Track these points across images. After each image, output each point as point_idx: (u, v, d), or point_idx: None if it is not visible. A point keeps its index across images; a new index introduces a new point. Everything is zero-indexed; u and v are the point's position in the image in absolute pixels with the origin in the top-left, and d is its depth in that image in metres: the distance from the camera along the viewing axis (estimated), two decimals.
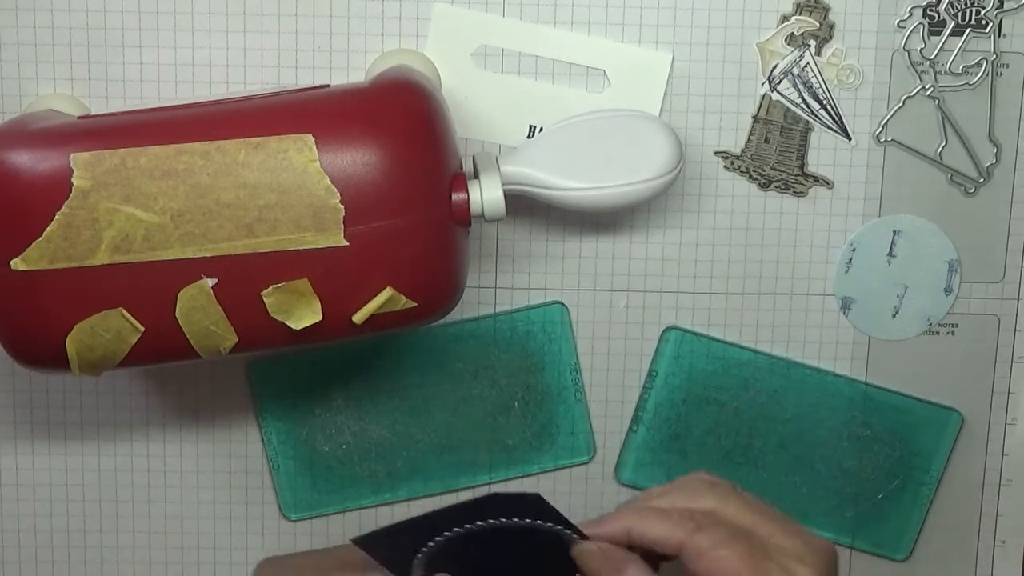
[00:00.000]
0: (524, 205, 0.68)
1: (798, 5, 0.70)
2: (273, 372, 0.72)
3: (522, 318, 0.73)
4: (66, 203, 0.58)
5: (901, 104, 0.71)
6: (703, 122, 0.71)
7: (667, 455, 0.74)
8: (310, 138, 0.59)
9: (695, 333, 0.73)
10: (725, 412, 0.73)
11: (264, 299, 0.59)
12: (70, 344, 0.60)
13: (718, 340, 0.73)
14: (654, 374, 0.73)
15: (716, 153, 0.71)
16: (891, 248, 0.72)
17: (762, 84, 0.71)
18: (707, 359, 0.73)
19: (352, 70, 0.70)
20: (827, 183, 0.72)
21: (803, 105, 0.71)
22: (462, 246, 0.63)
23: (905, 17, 0.70)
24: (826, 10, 0.70)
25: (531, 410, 0.74)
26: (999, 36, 0.70)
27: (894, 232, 0.72)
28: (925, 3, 0.70)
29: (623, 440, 0.74)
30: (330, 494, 0.74)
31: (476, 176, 0.64)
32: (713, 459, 0.73)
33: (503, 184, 0.64)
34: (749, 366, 0.73)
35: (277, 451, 0.73)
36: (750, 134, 0.71)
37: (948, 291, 0.73)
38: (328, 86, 0.64)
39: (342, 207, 0.59)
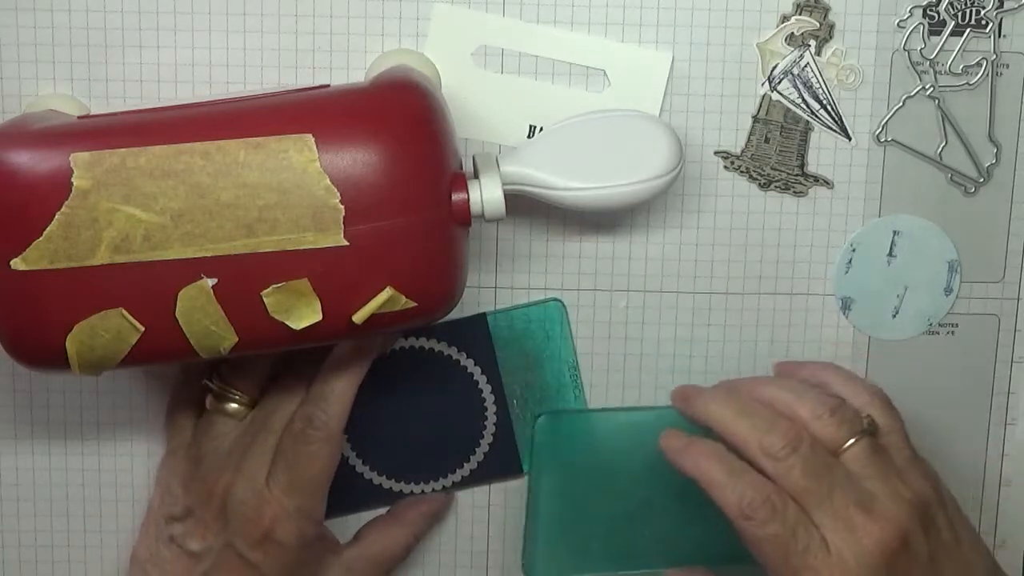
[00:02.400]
0: (524, 205, 0.68)
1: (798, 5, 0.70)
2: None
3: (520, 316, 0.73)
4: (66, 203, 0.58)
5: (901, 104, 0.71)
6: (703, 122, 0.71)
7: (570, 544, 0.73)
8: (310, 138, 0.59)
9: (567, 411, 0.73)
10: (618, 480, 0.72)
11: (264, 299, 0.59)
12: (70, 344, 0.60)
13: (591, 411, 0.73)
14: (535, 470, 0.73)
15: (716, 153, 0.71)
16: (891, 248, 0.72)
17: (762, 84, 0.71)
18: (584, 435, 0.72)
19: (352, 70, 0.70)
20: (827, 183, 0.72)
21: (803, 105, 0.71)
22: (462, 246, 0.63)
23: (905, 17, 0.70)
24: (826, 10, 0.70)
25: (529, 408, 0.74)
26: (999, 36, 0.70)
27: (894, 232, 0.72)
28: (925, 3, 0.70)
29: (522, 540, 0.74)
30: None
31: (476, 176, 0.64)
32: (618, 529, 0.72)
33: (503, 184, 0.64)
34: (627, 427, 0.72)
35: None
36: (750, 134, 0.71)
37: (948, 291, 0.73)
38: (328, 86, 0.64)
39: (342, 207, 0.59)
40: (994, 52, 0.70)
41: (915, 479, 0.65)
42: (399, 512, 0.73)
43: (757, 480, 0.63)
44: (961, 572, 0.65)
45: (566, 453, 0.72)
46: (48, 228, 0.58)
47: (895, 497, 0.63)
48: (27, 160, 0.58)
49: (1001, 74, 0.71)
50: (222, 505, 0.66)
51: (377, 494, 0.74)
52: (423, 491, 0.74)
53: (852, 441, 0.65)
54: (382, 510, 0.74)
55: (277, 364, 0.69)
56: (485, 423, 0.73)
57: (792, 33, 0.70)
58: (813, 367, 0.71)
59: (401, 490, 0.74)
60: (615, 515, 0.72)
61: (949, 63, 0.71)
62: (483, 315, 0.72)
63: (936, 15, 0.70)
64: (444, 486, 0.74)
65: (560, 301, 0.72)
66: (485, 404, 0.73)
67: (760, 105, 0.71)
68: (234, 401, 0.69)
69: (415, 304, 0.60)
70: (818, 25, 0.70)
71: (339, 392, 0.66)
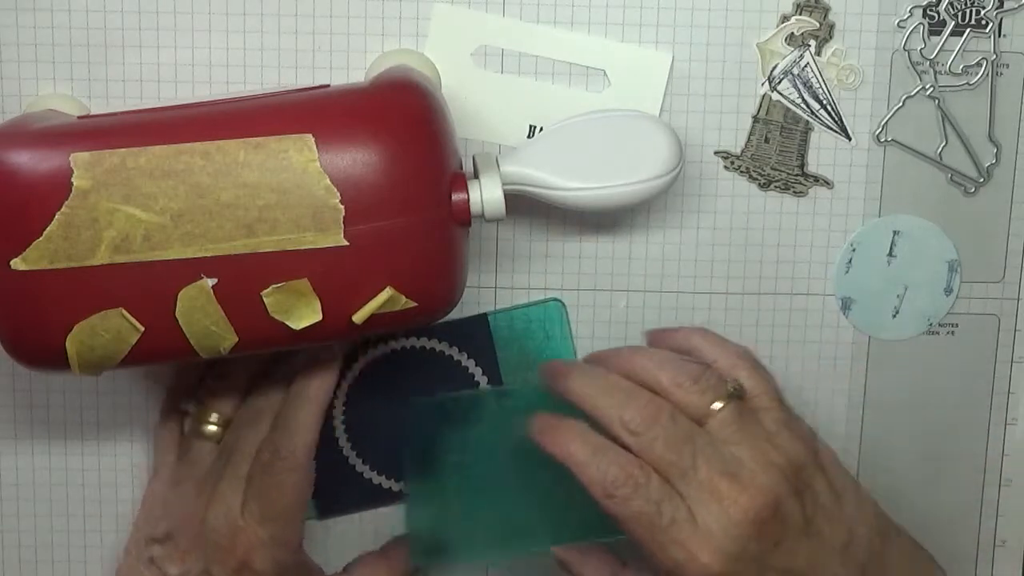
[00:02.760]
0: (524, 205, 0.68)
1: (798, 5, 0.70)
2: None
3: (520, 316, 0.73)
4: (66, 203, 0.58)
5: (901, 104, 0.71)
6: (703, 122, 0.71)
7: (454, 526, 0.72)
8: (310, 138, 0.59)
9: (443, 395, 0.72)
10: (498, 460, 0.71)
11: (264, 299, 0.59)
12: (70, 344, 0.60)
13: (463, 393, 0.73)
14: (411, 454, 0.72)
15: (716, 153, 0.71)
16: (891, 248, 0.72)
17: (762, 84, 0.71)
18: (460, 417, 0.72)
19: (352, 70, 0.70)
20: (827, 183, 0.72)
21: (803, 105, 0.71)
22: (462, 246, 0.63)
23: (905, 17, 0.70)
24: (826, 10, 0.70)
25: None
26: (999, 36, 0.70)
27: (894, 232, 0.72)
28: (925, 3, 0.70)
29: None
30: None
31: (476, 176, 0.64)
32: (502, 509, 0.72)
33: (503, 184, 0.64)
34: (503, 409, 0.71)
35: None
36: (750, 134, 0.71)
37: (948, 291, 0.73)
38: (328, 86, 0.64)
39: (342, 207, 0.59)
40: (994, 52, 0.70)
41: (786, 442, 0.63)
42: (389, 550, 0.73)
43: (619, 457, 0.62)
44: (843, 533, 0.64)
45: (444, 436, 0.72)
46: (48, 228, 0.58)
47: (764, 463, 0.62)
48: (27, 160, 0.58)
49: (1001, 74, 0.71)
50: (199, 531, 0.66)
51: (377, 493, 0.74)
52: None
53: (718, 407, 0.63)
54: (384, 509, 0.74)
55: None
56: None
57: (792, 33, 0.70)
58: (683, 332, 0.69)
59: (401, 489, 0.74)
60: (499, 496, 0.72)
61: (949, 63, 0.71)
62: (483, 315, 0.72)
63: (936, 15, 0.70)
64: None
65: (560, 301, 0.72)
66: None
67: (760, 105, 0.71)
68: (211, 424, 0.69)
69: (415, 304, 0.60)
70: (818, 25, 0.70)
71: (303, 422, 0.66)
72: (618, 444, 0.63)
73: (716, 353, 0.67)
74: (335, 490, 0.73)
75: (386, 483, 0.74)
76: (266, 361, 0.69)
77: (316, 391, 0.66)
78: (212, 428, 0.69)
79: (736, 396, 0.64)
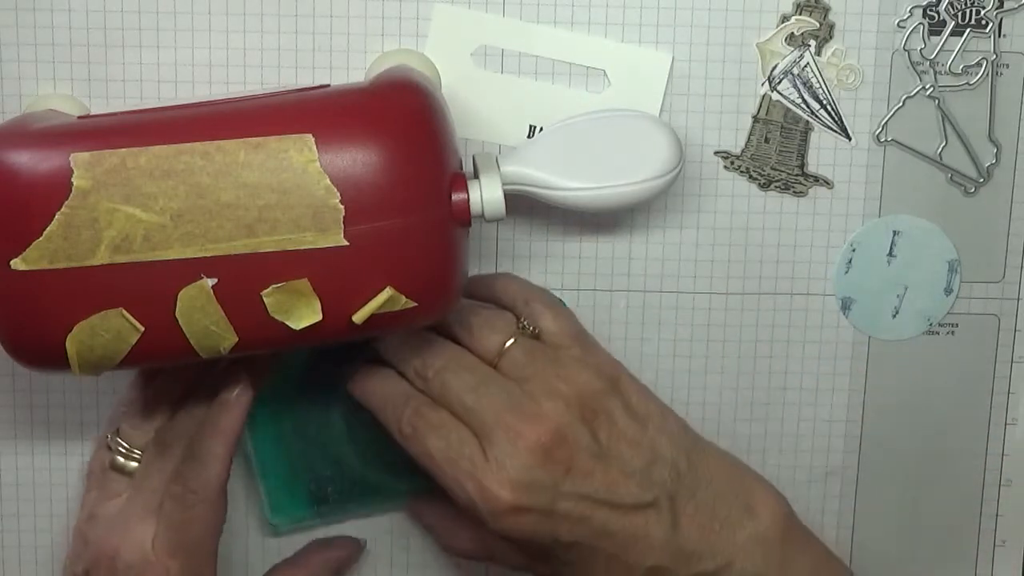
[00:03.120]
0: (524, 205, 0.68)
1: (798, 5, 0.70)
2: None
3: None
4: (66, 203, 0.58)
5: (901, 104, 0.71)
6: (703, 122, 0.71)
7: (301, 487, 0.73)
8: (310, 138, 0.59)
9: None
10: (334, 418, 0.73)
11: (264, 299, 0.59)
12: (70, 344, 0.60)
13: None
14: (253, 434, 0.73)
15: (716, 153, 0.71)
16: (891, 248, 0.72)
17: (762, 84, 0.71)
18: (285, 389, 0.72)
19: (352, 70, 0.70)
20: (827, 183, 0.72)
21: (803, 105, 0.71)
22: (462, 246, 0.63)
23: (905, 17, 0.70)
24: (826, 10, 0.70)
25: None
26: (999, 36, 0.70)
27: (894, 232, 0.72)
28: (925, 3, 0.70)
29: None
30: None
31: (476, 176, 0.64)
32: (344, 467, 0.73)
33: (503, 184, 0.64)
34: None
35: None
36: (750, 134, 0.71)
37: (948, 291, 0.73)
38: (328, 86, 0.64)
39: (342, 207, 0.59)
40: (994, 52, 0.70)
41: (578, 374, 0.65)
42: (303, 558, 0.73)
43: (413, 396, 0.65)
44: (644, 455, 0.65)
45: (274, 398, 0.72)
46: (48, 228, 0.58)
47: (550, 394, 0.64)
48: (27, 160, 0.58)
49: (1001, 74, 0.71)
50: (112, 568, 0.66)
51: (387, 492, 0.74)
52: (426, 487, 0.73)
53: (509, 343, 0.66)
54: (395, 512, 0.74)
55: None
56: None
57: (792, 33, 0.70)
58: (493, 277, 0.71)
59: (398, 486, 0.74)
60: (338, 454, 0.73)
61: (949, 63, 0.71)
62: None
63: (936, 15, 0.70)
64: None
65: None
66: None
67: (760, 105, 0.71)
68: (129, 458, 0.68)
69: (415, 304, 0.60)
70: (818, 25, 0.70)
71: (214, 453, 0.65)
72: (416, 390, 0.66)
73: (514, 294, 0.69)
74: (345, 495, 0.73)
75: (386, 482, 0.74)
76: (183, 392, 0.69)
77: (227, 423, 0.66)
78: (133, 464, 0.68)
79: (526, 334, 0.67)
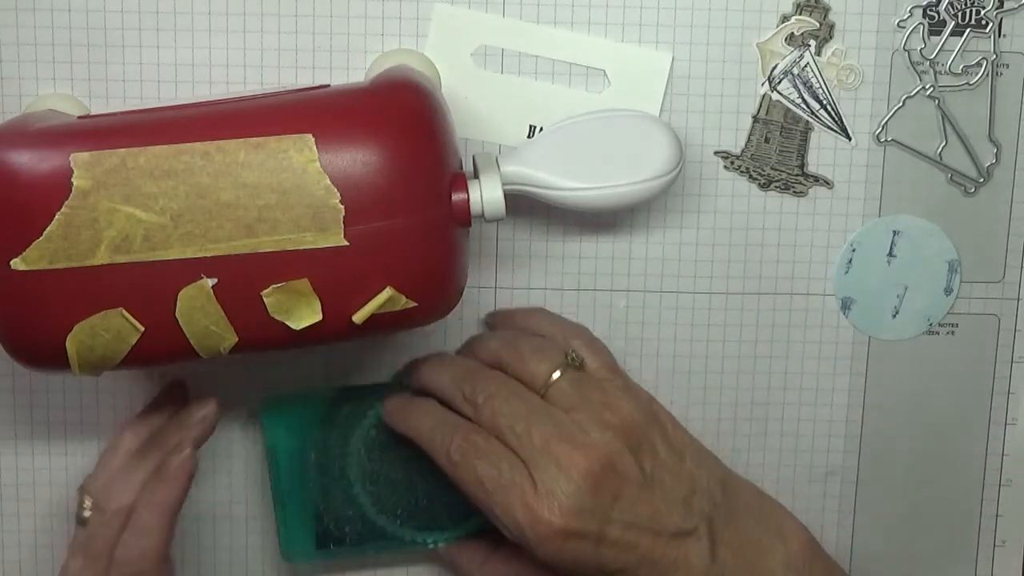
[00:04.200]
0: (524, 205, 0.68)
1: (798, 5, 0.70)
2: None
3: None
4: (66, 203, 0.58)
5: (901, 104, 0.71)
6: (703, 122, 0.71)
7: (320, 523, 0.72)
8: (310, 138, 0.59)
9: (293, 393, 0.72)
10: (359, 456, 0.72)
11: (264, 299, 0.59)
12: (70, 344, 0.60)
13: (308, 396, 0.72)
14: (271, 453, 0.72)
15: (716, 153, 0.71)
16: (891, 248, 0.72)
17: (762, 84, 0.71)
18: (316, 414, 0.72)
19: (352, 70, 0.70)
20: (827, 183, 0.72)
21: (803, 105, 0.71)
22: (462, 246, 0.63)
23: (905, 17, 0.70)
24: (826, 10, 0.70)
25: None
26: (999, 36, 0.70)
27: (894, 232, 0.72)
28: (925, 3, 0.70)
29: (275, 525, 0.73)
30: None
31: (476, 176, 0.64)
32: (366, 505, 0.72)
33: (503, 184, 0.64)
34: (358, 405, 0.72)
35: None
36: (750, 134, 0.71)
37: (948, 291, 0.73)
38: (328, 86, 0.64)
39: (342, 207, 0.59)
40: (994, 52, 0.70)
41: (624, 405, 0.66)
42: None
43: (462, 424, 0.66)
44: (685, 484, 0.67)
45: (299, 433, 0.72)
46: (48, 228, 0.58)
47: (599, 424, 0.65)
48: (27, 160, 0.59)
49: (1001, 74, 0.71)
50: None
51: (402, 542, 0.73)
52: (434, 542, 0.73)
53: (556, 375, 0.66)
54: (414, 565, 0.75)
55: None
56: None
57: (792, 33, 0.70)
58: (521, 312, 0.72)
59: (414, 539, 0.73)
60: (362, 492, 0.72)
61: (949, 63, 0.71)
62: None
63: (936, 15, 0.70)
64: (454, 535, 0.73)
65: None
66: None
67: (760, 105, 0.71)
68: (86, 510, 0.68)
69: (415, 304, 0.60)
70: (818, 25, 0.70)
71: (152, 527, 0.65)
72: (463, 417, 0.66)
73: (554, 330, 0.70)
74: (354, 533, 0.72)
75: (400, 533, 0.72)
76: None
77: (165, 496, 0.66)
78: (87, 515, 0.68)
79: (574, 366, 0.67)
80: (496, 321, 0.72)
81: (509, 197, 0.64)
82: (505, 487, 0.63)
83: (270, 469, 0.72)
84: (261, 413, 0.72)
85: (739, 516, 0.69)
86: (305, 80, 0.70)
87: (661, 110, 0.71)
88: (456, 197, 0.62)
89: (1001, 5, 0.70)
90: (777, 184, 0.72)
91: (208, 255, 0.59)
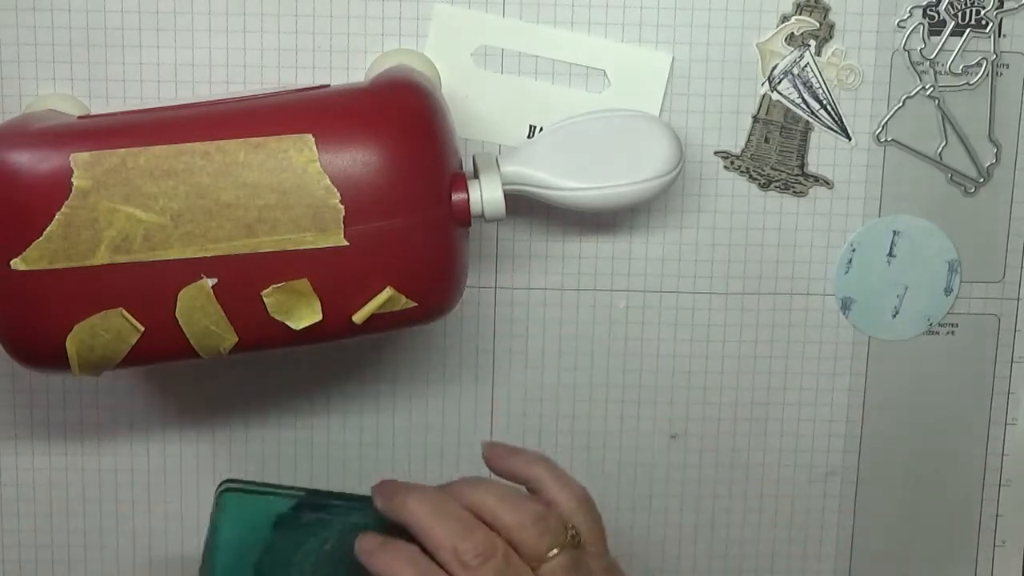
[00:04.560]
0: (524, 205, 0.68)
1: (798, 5, 0.70)
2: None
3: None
4: (66, 203, 0.58)
5: (901, 104, 0.71)
6: (703, 122, 0.71)
7: None
8: (310, 138, 0.59)
9: (252, 491, 0.67)
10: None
11: (264, 299, 0.59)
12: (70, 344, 0.60)
13: (273, 493, 0.67)
14: (212, 544, 0.66)
15: (716, 153, 0.71)
16: (891, 248, 0.72)
17: (762, 84, 0.71)
18: (267, 516, 0.67)
19: (352, 70, 0.70)
20: (827, 183, 0.72)
21: (803, 105, 0.71)
22: (462, 246, 0.63)
23: (905, 17, 0.70)
24: (826, 10, 0.70)
25: None
26: (999, 36, 0.70)
27: (894, 232, 0.72)
28: (925, 3, 0.70)
29: None
30: None
31: (476, 176, 0.64)
32: None
33: (503, 184, 0.64)
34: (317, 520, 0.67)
35: None
36: (750, 134, 0.71)
37: (948, 291, 0.73)
38: (328, 86, 0.64)
39: (342, 207, 0.59)
40: (994, 52, 0.70)
41: None
42: None
43: None
44: None
45: (250, 527, 0.67)
46: (48, 228, 0.58)
47: None
48: (27, 160, 0.58)
49: (1001, 74, 0.71)
50: None
51: None
52: None
53: (554, 553, 0.62)
54: None
55: None
56: None
57: (792, 33, 0.70)
58: (524, 458, 0.66)
59: None
60: None
61: (949, 63, 0.71)
62: None
63: (936, 15, 0.70)
64: None
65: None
66: None
67: (760, 105, 0.71)
68: None
69: (415, 304, 0.60)
70: (818, 25, 0.70)
71: None
72: (446, 573, 0.62)
73: (557, 491, 0.65)
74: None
75: None
76: None
77: None
78: None
79: (572, 545, 0.63)
80: (492, 457, 0.67)
81: (509, 197, 0.64)
82: None
83: (204, 555, 0.67)
84: (219, 494, 0.67)
85: None
86: (305, 80, 0.70)
87: (661, 110, 0.71)
88: (456, 197, 0.62)
89: (1001, 5, 0.70)
90: (777, 184, 0.72)
91: (208, 255, 0.59)
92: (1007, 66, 0.71)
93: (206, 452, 0.74)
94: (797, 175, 0.72)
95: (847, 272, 0.73)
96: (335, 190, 0.59)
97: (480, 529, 0.62)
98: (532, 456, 0.66)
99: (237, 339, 0.60)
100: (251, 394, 0.73)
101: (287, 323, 0.60)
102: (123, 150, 0.59)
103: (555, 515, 0.63)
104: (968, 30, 0.70)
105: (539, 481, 0.65)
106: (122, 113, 0.62)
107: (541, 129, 0.70)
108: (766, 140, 0.71)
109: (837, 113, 0.71)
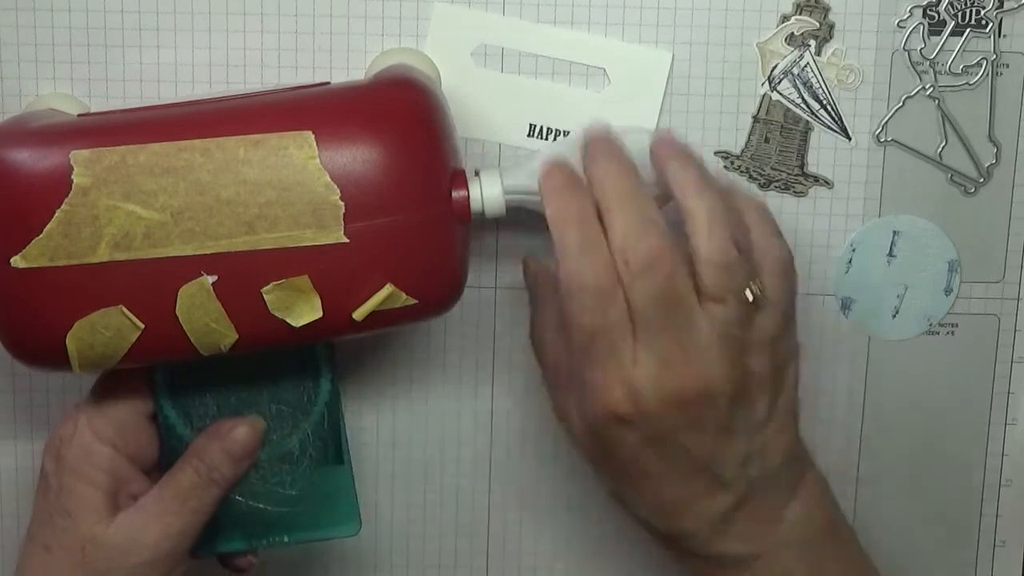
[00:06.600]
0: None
1: (798, 5, 0.70)
2: None
3: None
4: (66, 200, 0.58)
5: (901, 104, 0.71)
6: (703, 122, 0.71)
7: None
8: (310, 135, 0.59)
9: None
10: None
11: (264, 296, 0.59)
12: (70, 342, 0.60)
13: None
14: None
15: (716, 153, 0.71)
16: (891, 248, 0.72)
17: (762, 84, 0.71)
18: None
19: (352, 70, 0.70)
20: (827, 183, 0.72)
21: (803, 105, 0.71)
22: (463, 243, 0.63)
23: (905, 17, 0.70)
24: (826, 10, 0.70)
25: None
26: (999, 36, 0.70)
27: (894, 232, 0.72)
28: (925, 3, 0.70)
29: None
30: None
31: (476, 174, 0.64)
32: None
33: (505, 195, 0.64)
34: None
35: None
36: (750, 134, 0.71)
37: (948, 291, 0.73)
38: (328, 83, 0.64)
39: (342, 204, 0.59)
40: (994, 52, 0.71)
41: (756, 358, 0.62)
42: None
43: (603, 269, 0.59)
44: (755, 446, 0.63)
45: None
46: (48, 225, 0.58)
47: (724, 362, 0.60)
48: (27, 158, 0.59)
49: (1001, 74, 0.71)
50: None
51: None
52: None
53: (725, 300, 0.60)
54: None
55: None
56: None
57: (792, 33, 0.70)
58: (747, 202, 0.64)
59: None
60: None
61: (949, 63, 0.71)
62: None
63: (936, 15, 0.70)
64: None
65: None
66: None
67: (760, 105, 0.71)
68: None
69: (415, 301, 0.60)
70: (818, 25, 0.70)
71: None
72: (609, 256, 0.60)
73: (761, 236, 0.63)
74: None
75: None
76: None
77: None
78: None
79: (747, 302, 0.61)
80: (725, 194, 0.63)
81: (510, 207, 0.64)
82: (601, 349, 0.59)
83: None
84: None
85: (779, 494, 0.65)
86: (305, 80, 0.70)
87: (661, 110, 0.71)
88: (456, 194, 0.62)
89: (1001, 5, 0.70)
90: (777, 184, 0.72)
91: (208, 252, 0.59)
92: (1007, 66, 0.71)
93: None
94: (797, 175, 0.72)
95: (847, 272, 0.73)
96: (335, 187, 0.59)
97: (657, 236, 0.59)
98: (750, 202, 0.64)
99: (237, 336, 0.60)
100: None
101: (287, 320, 0.60)
102: (123, 147, 0.59)
103: (744, 266, 0.61)
104: (968, 30, 0.70)
105: (746, 216, 0.63)
106: (122, 111, 0.62)
107: (541, 128, 0.70)
108: (766, 140, 0.71)
109: (837, 113, 0.71)
